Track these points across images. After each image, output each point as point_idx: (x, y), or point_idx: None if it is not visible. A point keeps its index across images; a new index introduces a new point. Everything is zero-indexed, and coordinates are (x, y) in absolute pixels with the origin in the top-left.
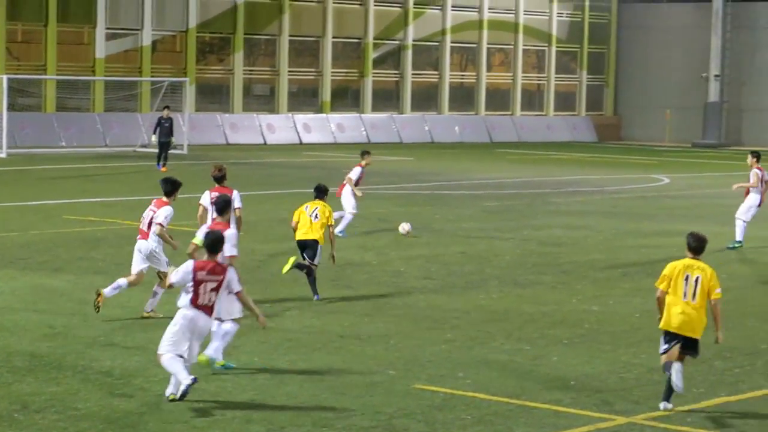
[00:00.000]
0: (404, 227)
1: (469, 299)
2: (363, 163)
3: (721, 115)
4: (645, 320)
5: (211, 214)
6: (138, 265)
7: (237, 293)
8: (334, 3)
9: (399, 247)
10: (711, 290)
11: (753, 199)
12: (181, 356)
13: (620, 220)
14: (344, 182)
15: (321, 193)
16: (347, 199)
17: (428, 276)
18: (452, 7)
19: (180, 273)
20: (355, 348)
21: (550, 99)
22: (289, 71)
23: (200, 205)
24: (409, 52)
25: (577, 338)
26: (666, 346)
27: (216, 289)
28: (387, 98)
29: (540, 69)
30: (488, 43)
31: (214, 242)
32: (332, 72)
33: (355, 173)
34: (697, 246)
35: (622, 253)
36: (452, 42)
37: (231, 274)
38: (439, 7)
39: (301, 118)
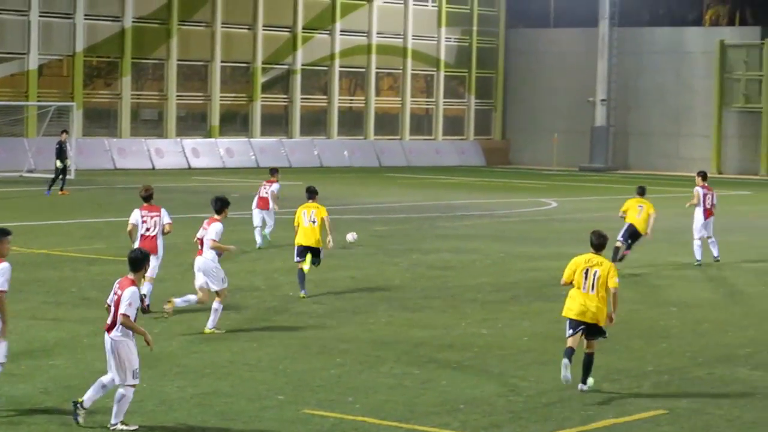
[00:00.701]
0: (350, 236)
1: (359, 324)
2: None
3: (608, 139)
4: (533, 343)
5: (141, 230)
6: (199, 282)
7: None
8: (222, 27)
9: (288, 272)
10: (609, 280)
11: (697, 217)
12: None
13: (509, 243)
14: (266, 196)
15: (312, 194)
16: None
17: (317, 301)
18: (341, 31)
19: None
20: (244, 373)
21: (438, 123)
22: (178, 96)
23: (130, 222)
24: (298, 77)
25: (466, 362)
26: (571, 331)
27: None
28: (276, 123)
29: (429, 93)
30: (377, 68)
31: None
32: (221, 96)
33: (276, 188)
34: (598, 243)
35: (510, 276)
36: (341, 66)
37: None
38: (327, 32)
39: (189, 142)
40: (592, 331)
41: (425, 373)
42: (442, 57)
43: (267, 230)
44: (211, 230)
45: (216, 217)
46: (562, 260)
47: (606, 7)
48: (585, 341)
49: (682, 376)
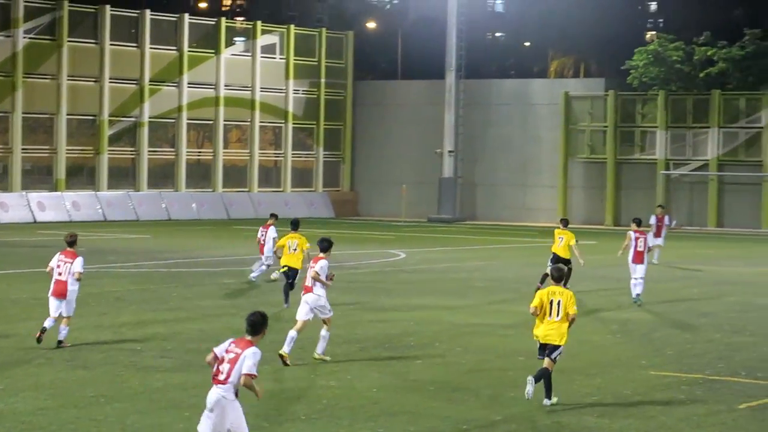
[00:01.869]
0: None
1: (207, 376)
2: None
3: (456, 190)
4: (382, 394)
5: (54, 274)
6: (303, 315)
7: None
8: (68, 80)
9: (136, 326)
10: (569, 308)
11: (630, 258)
12: None
13: (357, 294)
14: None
15: (295, 225)
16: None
17: (165, 354)
18: (188, 83)
19: None
20: (90, 428)
21: (287, 175)
22: (23, 149)
23: (49, 265)
24: (146, 129)
25: (315, 414)
26: (540, 356)
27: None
28: (123, 175)
29: (277, 145)
30: (225, 120)
31: None
32: (67, 149)
33: (273, 231)
34: (557, 276)
35: (359, 327)
36: (189, 118)
37: None
38: (175, 84)
39: (35, 196)
40: (553, 349)
41: (274, 426)
42: (290, 109)
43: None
44: (318, 266)
45: (321, 255)
46: (411, 311)
47: (453, 59)
48: (547, 362)
49: (529, 425)
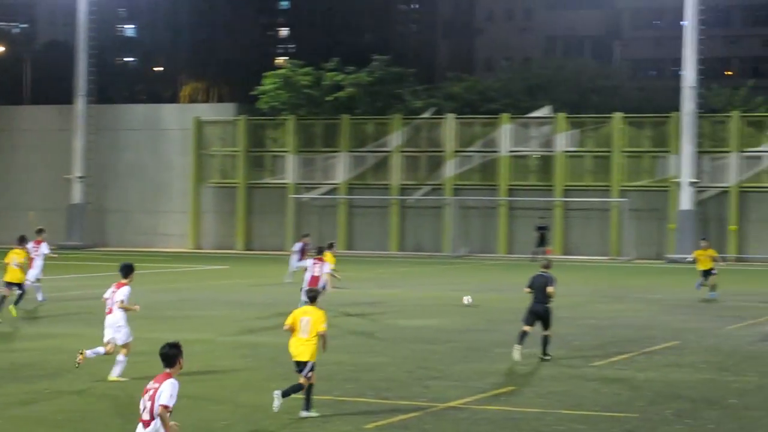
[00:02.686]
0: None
1: None
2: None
3: (85, 217)
4: (8, 425)
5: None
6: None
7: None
8: None
9: None
10: (317, 326)
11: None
12: None
13: None
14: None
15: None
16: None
17: None
18: None
19: None
20: None
21: None
22: None
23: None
24: None
25: None
26: (296, 372)
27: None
28: None
29: None
30: None
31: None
32: None
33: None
34: (311, 297)
35: None
36: None
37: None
38: None
39: None
40: (302, 367)
41: None
42: None
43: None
44: (120, 293)
45: (123, 281)
46: (43, 340)
47: (82, 84)
48: (302, 379)
49: None
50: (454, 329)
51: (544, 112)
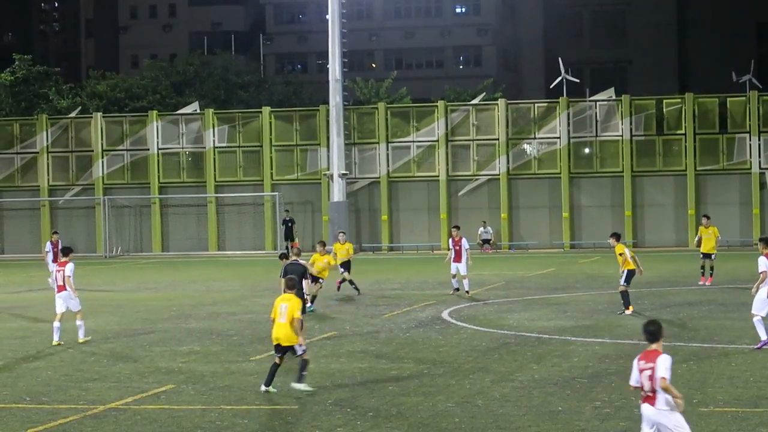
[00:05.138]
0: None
1: None
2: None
3: None
4: None
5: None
6: (60, 308)
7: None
8: None
9: None
10: (294, 312)
11: None
12: None
13: None
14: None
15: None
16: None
17: None
18: None
19: None
20: None
21: None
22: None
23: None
24: None
25: None
26: (274, 353)
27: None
28: None
29: None
30: None
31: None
32: None
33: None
34: (290, 285)
35: None
36: None
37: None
38: None
39: None
40: (285, 349)
41: None
42: None
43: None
44: (68, 270)
45: (66, 260)
46: None
47: None
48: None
49: None
50: (110, 329)
51: (192, 108)
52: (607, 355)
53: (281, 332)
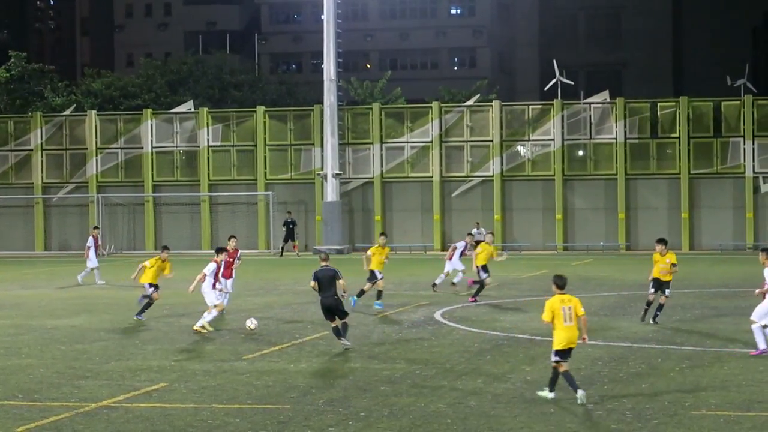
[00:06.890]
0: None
1: None
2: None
3: None
4: None
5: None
6: None
7: None
8: None
9: None
10: (578, 311)
11: None
12: None
13: None
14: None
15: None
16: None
17: None
18: None
19: None
20: None
21: None
22: None
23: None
24: None
25: None
26: (557, 358)
27: None
28: None
29: None
30: None
31: None
32: None
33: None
34: (562, 284)
35: None
36: None
37: None
38: None
39: None
40: (570, 352)
41: None
42: None
43: None
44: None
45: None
46: None
47: None
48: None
49: None
50: (102, 328)
51: (186, 107)
52: (600, 358)
53: None
